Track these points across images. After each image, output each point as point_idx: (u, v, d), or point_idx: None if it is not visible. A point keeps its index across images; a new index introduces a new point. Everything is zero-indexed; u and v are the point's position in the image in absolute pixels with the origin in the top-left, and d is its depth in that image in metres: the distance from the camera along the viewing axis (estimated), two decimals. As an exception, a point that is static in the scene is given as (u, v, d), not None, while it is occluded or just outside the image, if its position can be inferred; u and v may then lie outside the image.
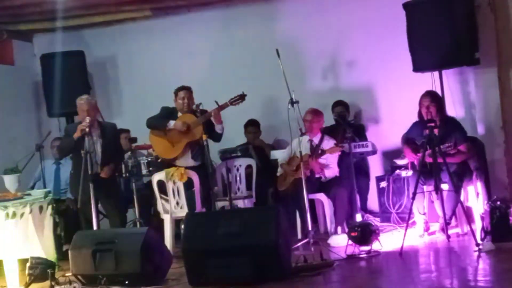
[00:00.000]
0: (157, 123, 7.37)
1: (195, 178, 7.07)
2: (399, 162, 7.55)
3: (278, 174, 7.60)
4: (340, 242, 6.70)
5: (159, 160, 7.51)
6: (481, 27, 7.66)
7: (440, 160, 6.35)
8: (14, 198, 6.33)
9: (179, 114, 7.38)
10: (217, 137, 7.37)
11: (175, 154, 7.31)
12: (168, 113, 7.41)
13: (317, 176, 7.34)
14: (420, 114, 6.95)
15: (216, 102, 7.12)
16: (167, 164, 7.28)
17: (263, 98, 8.45)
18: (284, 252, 5.61)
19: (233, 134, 7.50)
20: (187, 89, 7.37)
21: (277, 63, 6.87)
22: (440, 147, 6.42)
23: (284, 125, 6.91)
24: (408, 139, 7.06)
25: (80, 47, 9.13)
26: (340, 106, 8.16)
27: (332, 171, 7.35)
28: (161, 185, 7.18)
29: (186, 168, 7.17)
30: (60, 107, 8.69)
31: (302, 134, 7.38)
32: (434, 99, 6.91)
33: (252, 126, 8.49)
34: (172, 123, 7.28)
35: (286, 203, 7.15)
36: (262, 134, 8.57)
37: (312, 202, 7.32)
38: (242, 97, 7.23)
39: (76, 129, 6.93)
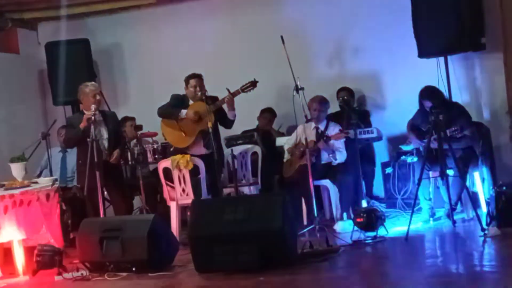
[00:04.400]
0: (169, 113, 7.33)
1: (201, 166, 7.08)
2: (405, 148, 7.55)
3: (284, 160, 7.61)
4: (346, 228, 6.72)
5: (171, 149, 7.50)
6: (487, 12, 7.63)
7: (446, 145, 6.34)
8: (21, 186, 6.36)
9: (191, 102, 7.35)
10: (229, 124, 7.34)
11: (188, 143, 7.29)
12: (179, 101, 7.37)
13: (326, 161, 7.33)
14: (421, 106, 6.92)
15: (228, 90, 7.10)
16: (180, 152, 7.25)
17: (269, 85, 8.42)
18: (290, 238, 5.63)
19: (238, 120, 7.49)
20: (199, 77, 7.30)
21: (282, 49, 6.85)
22: (446, 131, 6.41)
23: (290, 111, 6.90)
24: (414, 126, 7.05)
25: (84, 35, 9.12)
26: (345, 92, 8.16)
27: (342, 155, 7.34)
28: (167, 172, 7.20)
29: (199, 156, 7.16)
30: (65, 95, 8.69)
31: (308, 121, 7.39)
32: (433, 99, 6.76)
33: (268, 112, 8.51)
34: (184, 113, 7.23)
35: (292, 190, 7.16)
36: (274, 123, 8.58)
37: (317, 188, 7.33)
38: (253, 84, 7.16)
39: (79, 120, 6.96)
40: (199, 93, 7.18)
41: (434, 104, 6.59)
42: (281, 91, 8.25)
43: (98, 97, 7.09)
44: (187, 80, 7.34)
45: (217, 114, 7.13)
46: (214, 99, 7.19)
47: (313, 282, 5.20)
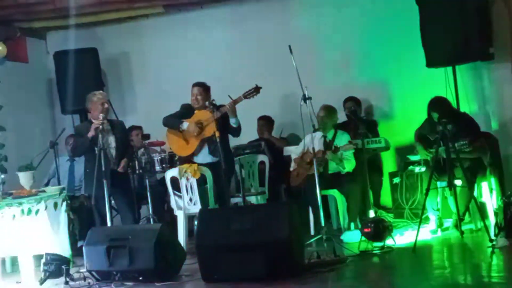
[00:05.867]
0: (171, 123, 7.34)
1: (208, 175, 7.08)
2: (412, 158, 7.53)
3: (291, 169, 7.60)
4: (353, 238, 6.70)
5: (176, 158, 7.51)
6: (495, 22, 7.63)
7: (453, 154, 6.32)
8: (29, 195, 6.39)
9: (196, 110, 7.37)
10: (233, 132, 7.30)
11: (189, 151, 7.29)
12: (186, 110, 7.36)
13: (334, 171, 7.32)
14: (429, 116, 6.91)
15: (230, 97, 7.10)
16: (185, 161, 7.25)
17: (276, 94, 8.45)
18: (297, 248, 5.61)
19: (246, 129, 7.50)
20: (200, 86, 7.30)
21: (290, 59, 6.86)
22: (455, 145, 6.37)
23: (297, 121, 6.90)
24: (421, 136, 7.03)
25: (93, 44, 9.16)
26: (352, 101, 8.16)
27: (351, 164, 7.32)
28: (175, 181, 7.20)
29: (205, 164, 7.18)
30: (74, 104, 8.71)
31: (315, 130, 7.38)
32: (442, 111, 6.70)
33: (263, 120, 8.51)
34: (185, 125, 7.23)
35: (299, 199, 7.15)
36: (275, 130, 8.57)
37: (325, 198, 7.32)
38: (256, 89, 7.10)
39: (87, 129, 6.98)
40: (200, 102, 7.18)
41: (441, 116, 6.55)
42: (289, 100, 8.26)
43: (106, 105, 7.11)
44: (191, 89, 7.35)
45: (221, 122, 7.11)
46: (220, 107, 7.19)
47: (320, 292, 5.19)
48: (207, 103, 7.16)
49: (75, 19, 8.89)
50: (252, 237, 5.52)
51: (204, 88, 7.30)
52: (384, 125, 8.30)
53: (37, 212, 6.28)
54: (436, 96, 6.97)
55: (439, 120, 6.46)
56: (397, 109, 8.39)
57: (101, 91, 7.40)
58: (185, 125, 7.25)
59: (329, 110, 7.49)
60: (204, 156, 7.28)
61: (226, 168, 6.94)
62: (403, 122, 8.14)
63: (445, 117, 6.44)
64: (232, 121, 7.19)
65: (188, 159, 7.26)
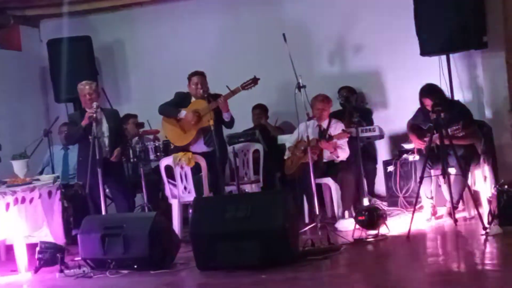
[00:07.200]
0: (169, 112, 7.33)
1: (203, 163, 7.08)
2: (407, 146, 7.55)
3: (285, 157, 7.61)
4: (347, 226, 6.72)
5: (172, 147, 7.51)
6: (489, 10, 7.63)
7: (447, 142, 6.34)
8: (23, 183, 6.37)
9: (193, 99, 7.34)
10: (226, 125, 7.34)
11: (186, 141, 7.28)
12: (182, 99, 7.36)
13: (328, 159, 7.33)
14: (422, 104, 6.91)
15: (228, 87, 7.09)
16: (181, 150, 7.24)
17: (271, 83, 8.44)
18: (292, 236, 5.63)
19: (241, 118, 7.50)
20: (200, 75, 7.28)
21: (284, 47, 6.85)
22: (447, 130, 6.40)
23: (292, 109, 6.90)
24: (414, 126, 7.05)
25: (87, 32, 9.12)
26: (346, 90, 8.16)
27: (345, 152, 7.34)
28: (169, 170, 7.20)
29: (201, 153, 7.16)
30: (67, 92, 8.68)
31: (309, 119, 7.39)
32: (433, 97, 6.71)
33: (258, 108, 8.51)
34: (183, 114, 7.22)
35: (294, 188, 7.16)
36: (269, 119, 8.57)
37: (319, 186, 7.33)
38: (254, 81, 7.12)
39: (81, 117, 6.97)
40: (201, 91, 7.18)
41: (434, 101, 6.57)
42: (283, 89, 8.24)
43: (88, 97, 7.06)
44: (189, 78, 7.33)
45: (217, 112, 7.12)
46: (216, 96, 7.18)
47: (314, 280, 5.20)
48: (201, 91, 7.16)
49: (68, 7, 8.86)
50: (246, 225, 5.53)
51: (204, 77, 7.29)
52: (378, 114, 8.30)
53: (31, 200, 6.28)
54: (427, 83, 6.96)
55: (432, 107, 6.47)
56: (391, 98, 8.39)
57: (86, 81, 7.29)
58: (183, 113, 7.23)
59: (325, 101, 7.49)
60: (199, 146, 7.28)
61: (220, 156, 6.95)
62: (397, 110, 8.14)
63: (438, 103, 6.45)
64: (225, 116, 7.19)
65: (184, 148, 7.25)
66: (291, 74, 6.83)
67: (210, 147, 7.15)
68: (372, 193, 8.03)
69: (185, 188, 7.13)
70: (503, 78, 7.71)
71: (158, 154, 7.56)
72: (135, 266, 5.83)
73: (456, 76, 7.81)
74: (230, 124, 7.34)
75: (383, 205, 7.47)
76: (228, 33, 8.97)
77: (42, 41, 9.52)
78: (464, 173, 6.48)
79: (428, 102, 6.75)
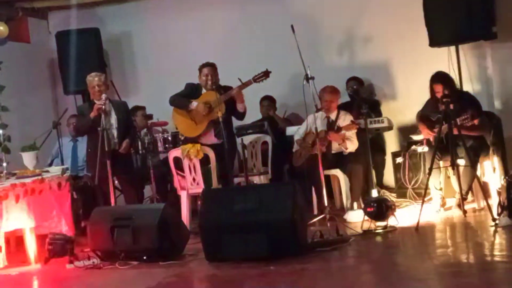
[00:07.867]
0: (180, 103, 7.29)
1: (211, 155, 7.09)
2: (415, 137, 7.53)
3: (294, 150, 7.61)
4: (356, 217, 6.72)
5: (182, 138, 7.50)
6: (498, 1, 7.59)
7: (455, 132, 6.31)
8: (32, 175, 6.41)
9: (204, 90, 7.33)
10: (239, 116, 7.32)
11: (197, 132, 7.26)
12: (192, 90, 7.34)
13: (336, 151, 7.32)
14: (432, 92, 6.88)
15: (240, 80, 7.07)
16: (191, 141, 7.23)
17: (279, 75, 8.40)
18: (300, 228, 5.63)
19: (249, 110, 7.49)
20: (211, 66, 7.25)
21: (292, 39, 6.84)
22: (456, 120, 6.38)
23: (300, 101, 6.89)
24: (423, 116, 7.02)
25: (95, 24, 9.14)
26: (354, 81, 8.16)
27: (354, 144, 7.33)
28: (178, 161, 7.21)
29: (210, 145, 7.17)
30: (76, 84, 8.69)
31: (318, 110, 7.37)
32: (445, 84, 6.71)
33: (267, 100, 8.49)
34: (194, 105, 7.20)
35: (302, 179, 7.15)
36: (278, 111, 8.56)
37: (327, 178, 7.33)
38: (266, 74, 7.11)
39: (90, 108, 6.99)
40: (210, 82, 7.17)
41: (443, 91, 6.55)
42: (291, 80, 8.24)
43: (97, 88, 7.08)
44: (200, 69, 7.31)
45: (228, 104, 7.11)
46: (227, 88, 7.17)
47: (322, 271, 5.20)
48: (210, 83, 7.15)
49: (77, -1, 8.87)
50: (255, 217, 5.54)
51: (215, 68, 7.26)
52: (387, 105, 8.29)
53: (41, 192, 6.31)
54: (439, 71, 6.93)
55: (441, 98, 6.44)
56: (400, 89, 8.36)
57: (95, 73, 7.29)
58: (194, 104, 7.22)
59: (334, 93, 7.46)
60: (210, 138, 7.27)
61: (229, 148, 6.95)
62: (405, 101, 8.12)
63: (447, 94, 6.43)
64: (239, 107, 7.18)
65: (194, 139, 7.25)
66: (299, 66, 6.82)
67: (220, 139, 7.15)
68: (380, 185, 8.02)
69: (193, 179, 7.14)
70: (513, 69, 7.69)
71: (166, 145, 7.57)
72: (144, 258, 5.85)
73: (465, 67, 7.78)
74: (243, 115, 7.32)
75: (391, 197, 7.48)
76: (236, 25, 8.95)
77: (51, 33, 9.53)
78: (473, 164, 6.47)
79: (439, 89, 6.71)
